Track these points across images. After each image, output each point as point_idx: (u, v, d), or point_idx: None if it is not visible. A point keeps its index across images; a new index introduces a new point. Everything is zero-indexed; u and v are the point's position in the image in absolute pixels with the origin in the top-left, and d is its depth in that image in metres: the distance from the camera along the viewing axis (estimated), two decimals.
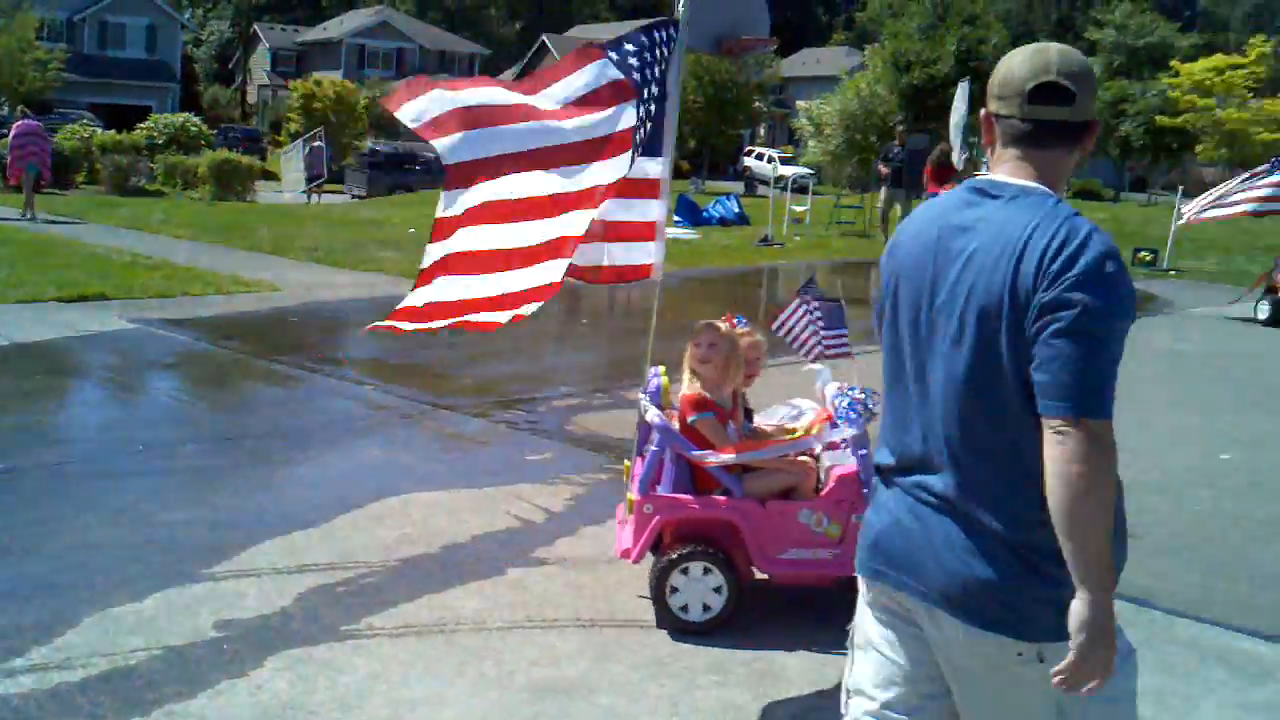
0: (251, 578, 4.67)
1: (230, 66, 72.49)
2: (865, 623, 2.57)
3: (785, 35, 64.18)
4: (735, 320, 4.64)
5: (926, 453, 2.36)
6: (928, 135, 22.58)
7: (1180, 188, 26.97)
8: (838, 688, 2.74)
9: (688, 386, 4.46)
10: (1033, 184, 2.28)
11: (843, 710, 2.63)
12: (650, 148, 4.67)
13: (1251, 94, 45.42)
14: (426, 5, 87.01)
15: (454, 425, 7.42)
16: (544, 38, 67.38)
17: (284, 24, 76.90)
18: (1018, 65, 2.31)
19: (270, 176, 32.30)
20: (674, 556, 4.33)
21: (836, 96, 37.27)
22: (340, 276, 13.78)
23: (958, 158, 19.07)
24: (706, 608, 4.36)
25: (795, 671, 4.10)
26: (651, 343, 5.06)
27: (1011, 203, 2.27)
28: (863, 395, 4.51)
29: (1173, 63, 47.60)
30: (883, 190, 21.87)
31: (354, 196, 32.13)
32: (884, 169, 21.56)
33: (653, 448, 4.46)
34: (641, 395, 4.64)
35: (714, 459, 4.30)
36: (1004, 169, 2.35)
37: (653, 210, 4.86)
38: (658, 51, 4.63)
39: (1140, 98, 48.08)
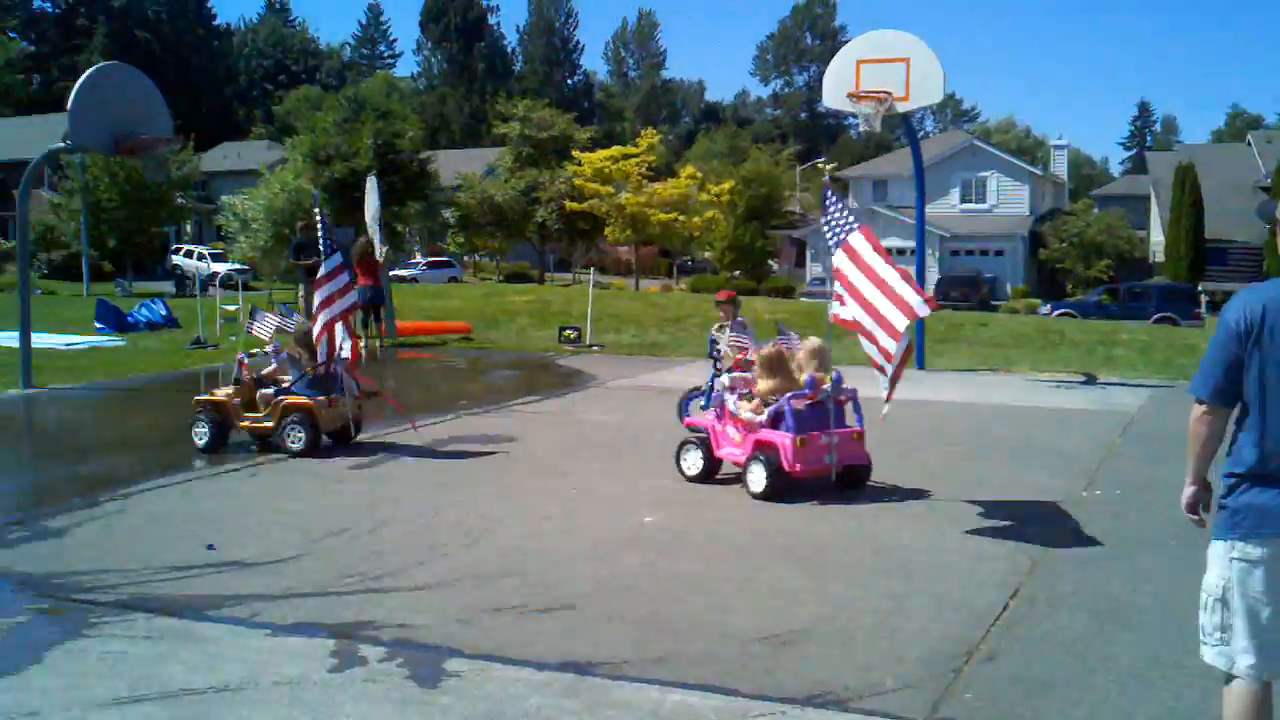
0: None
1: None
2: (1252, 578, 3.68)
3: (201, 130, 62.32)
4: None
5: None
6: (354, 229, 22.83)
7: (593, 267, 29.56)
8: None
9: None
10: None
11: (1218, 641, 3.75)
12: None
13: (645, 180, 50.68)
14: None
15: None
16: None
17: None
18: None
19: None
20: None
21: (261, 191, 36.71)
22: None
23: (379, 250, 19.52)
24: None
25: None
26: None
27: None
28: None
29: (575, 152, 51.94)
30: (301, 287, 21.37)
31: None
32: (298, 262, 21.21)
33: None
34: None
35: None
36: None
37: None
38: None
39: (550, 185, 51.97)
